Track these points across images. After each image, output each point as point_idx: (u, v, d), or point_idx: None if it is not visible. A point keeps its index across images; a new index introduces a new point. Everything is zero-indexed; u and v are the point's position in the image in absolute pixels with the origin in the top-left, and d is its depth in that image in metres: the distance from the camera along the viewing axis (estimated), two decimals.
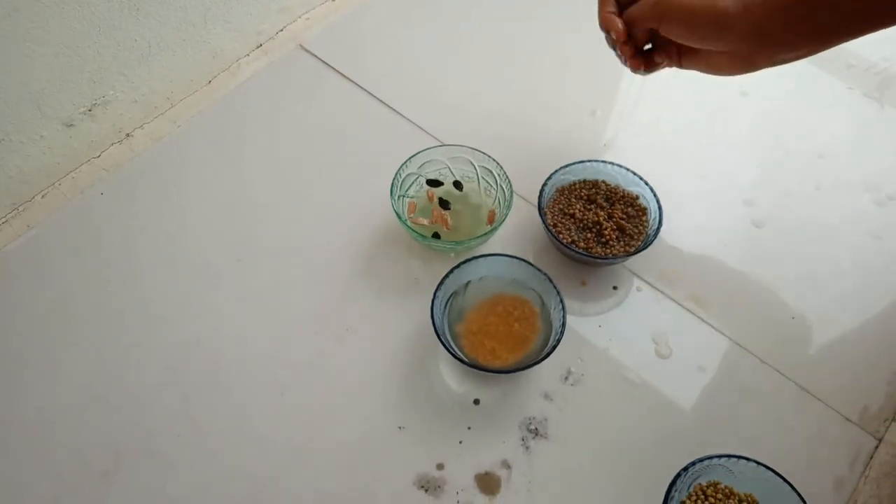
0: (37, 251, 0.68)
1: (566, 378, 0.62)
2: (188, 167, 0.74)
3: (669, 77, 0.85)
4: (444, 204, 0.68)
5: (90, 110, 0.71)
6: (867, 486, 0.57)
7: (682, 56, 0.61)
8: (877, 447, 0.59)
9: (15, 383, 0.60)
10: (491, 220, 0.68)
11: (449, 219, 0.68)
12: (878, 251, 0.71)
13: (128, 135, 0.76)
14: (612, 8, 0.62)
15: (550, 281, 0.60)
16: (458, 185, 0.69)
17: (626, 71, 0.86)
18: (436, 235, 0.67)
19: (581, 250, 0.64)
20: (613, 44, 0.63)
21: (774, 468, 0.53)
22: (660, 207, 0.66)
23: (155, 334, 0.63)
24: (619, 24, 0.60)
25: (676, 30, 0.59)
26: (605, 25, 0.62)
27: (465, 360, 0.58)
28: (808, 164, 0.77)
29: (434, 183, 0.70)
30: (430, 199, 0.69)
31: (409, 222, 0.66)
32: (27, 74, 0.64)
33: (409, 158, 0.68)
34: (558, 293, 0.60)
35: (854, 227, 0.72)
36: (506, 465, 0.57)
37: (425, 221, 0.68)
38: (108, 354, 0.62)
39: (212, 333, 0.63)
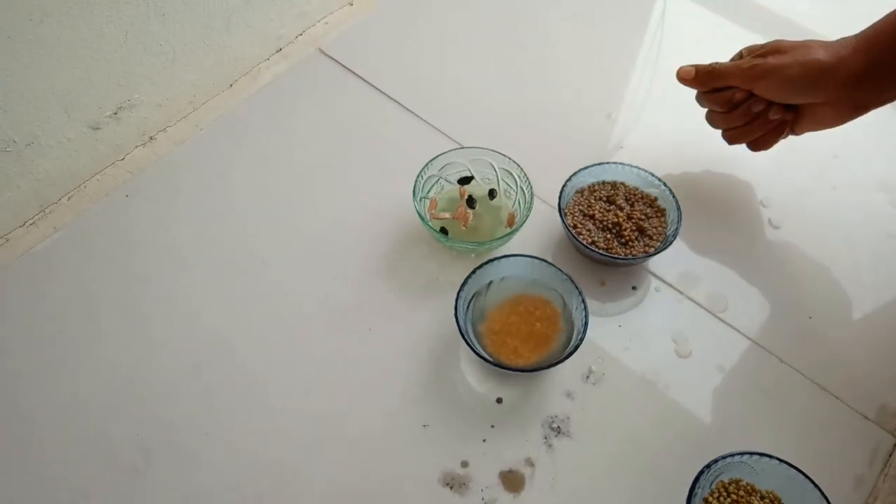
0: (63, 252, 0.69)
1: (587, 377, 0.63)
2: (211, 170, 0.75)
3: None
4: (471, 203, 0.69)
5: (115, 114, 0.72)
6: (886, 484, 0.58)
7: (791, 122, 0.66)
8: (895, 445, 0.60)
9: (44, 382, 0.61)
10: (511, 222, 0.68)
11: (471, 217, 0.69)
12: (893, 250, 0.71)
13: (151, 138, 0.77)
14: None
15: (572, 281, 0.61)
16: (492, 193, 0.70)
17: (638, 75, 0.87)
18: (443, 231, 0.68)
19: (602, 251, 0.65)
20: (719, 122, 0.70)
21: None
22: (678, 208, 0.67)
23: (180, 333, 0.64)
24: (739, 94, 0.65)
25: (773, 90, 0.63)
26: (730, 98, 0.66)
27: (489, 358, 0.59)
28: (823, 164, 0.78)
29: (465, 180, 0.71)
30: (462, 195, 0.70)
31: (429, 219, 0.67)
32: (56, 78, 0.65)
33: (431, 161, 0.69)
34: (580, 293, 0.61)
35: (869, 227, 0.73)
36: (529, 462, 0.58)
37: (447, 215, 0.69)
38: (135, 354, 0.63)
39: (236, 333, 0.64)
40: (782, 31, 0.90)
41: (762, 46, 0.65)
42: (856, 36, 0.61)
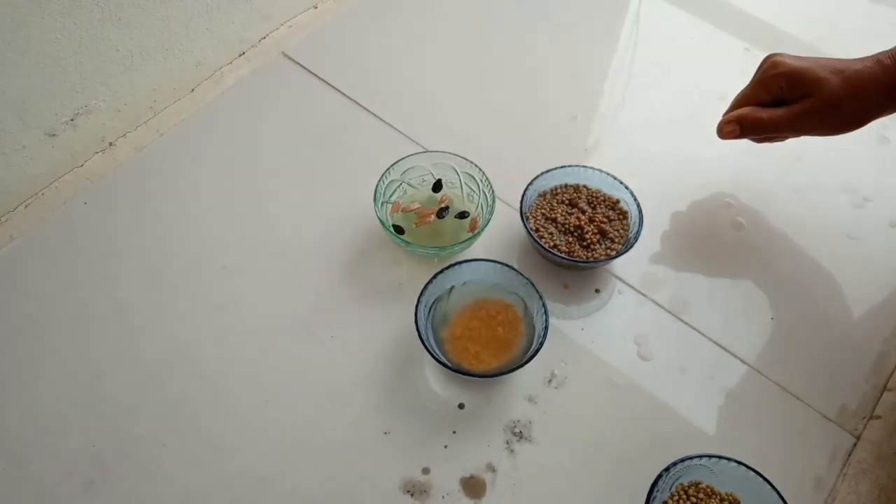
0: (20, 261, 0.68)
1: (549, 381, 0.62)
2: (171, 176, 0.74)
3: (649, 82, 0.86)
4: (442, 213, 0.69)
5: (73, 120, 0.71)
6: (845, 484, 0.58)
7: None
8: (855, 445, 0.60)
9: None
10: (473, 227, 0.68)
11: (429, 221, 0.68)
12: (855, 252, 0.72)
13: (111, 144, 0.76)
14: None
15: (533, 285, 0.61)
16: (463, 214, 0.69)
17: (606, 77, 0.87)
18: (398, 230, 0.68)
19: (563, 255, 0.65)
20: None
21: (755, 467, 0.53)
22: (640, 211, 0.67)
23: (139, 343, 0.63)
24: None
25: (824, 134, 0.63)
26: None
27: (449, 364, 0.59)
28: (786, 166, 0.78)
29: (437, 186, 0.71)
30: (443, 201, 0.70)
31: (390, 215, 0.68)
32: (8, 84, 0.63)
33: (393, 165, 0.68)
34: (541, 297, 0.60)
35: (832, 229, 0.73)
36: (491, 468, 0.58)
37: (417, 205, 0.69)
38: (92, 363, 0.62)
39: (196, 341, 0.63)
40: (756, 31, 0.91)
41: (802, 78, 0.60)
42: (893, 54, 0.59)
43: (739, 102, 0.66)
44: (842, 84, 0.59)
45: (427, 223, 0.68)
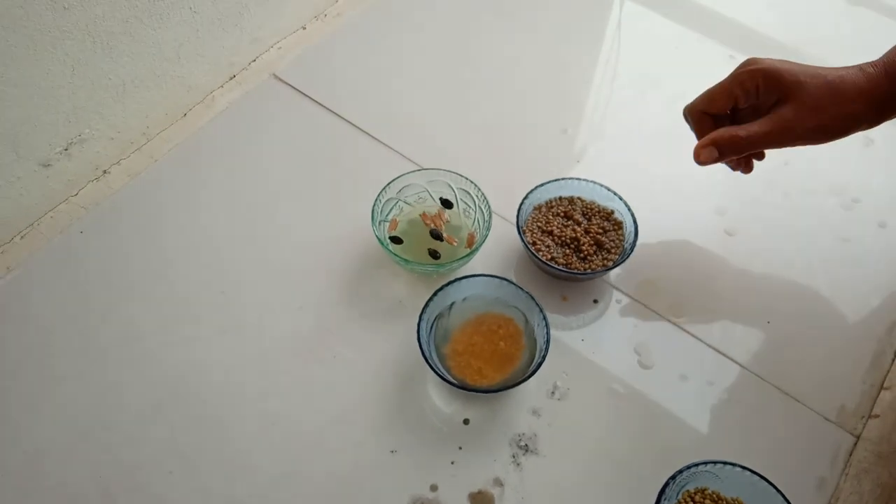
0: (18, 293, 0.67)
1: (553, 393, 0.63)
2: (167, 201, 0.74)
3: (636, 93, 0.87)
4: (435, 234, 0.69)
5: (66, 149, 0.71)
6: (848, 484, 0.59)
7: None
8: (855, 444, 0.61)
9: None
10: (471, 242, 0.69)
11: (428, 223, 0.70)
12: (846, 253, 0.73)
13: (105, 172, 0.76)
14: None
15: (533, 299, 0.62)
16: (434, 253, 0.69)
17: (593, 89, 0.88)
18: (396, 240, 0.68)
19: (561, 267, 0.66)
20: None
21: (758, 471, 0.54)
22: (635, 221, 0.68)
23: (140, 371, 0.63)
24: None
25: (804, 145, 0.60)
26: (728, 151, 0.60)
27: (453, 381, 0.59)
28: (775, 171, 0.79)
29: (447, 203, 0.71)
30: (449, 240, 0.70)
31: (386, 239, 0.68)
32: (2, 116, 0.63)
33: (389, 184, 0.69)
34: (541, 310, 0.61)
35: (822, 231, 0.74)
36: (498, 482, 0.58)
37: (447, 218, 0.71)
38: (94, 393, 0.62)
39: (198, 367, 0.63)
40: (738, 36, 0.92)
41: (780, 79, 0.58)
42: (885, 63, 0.57)
43: (711, 95, 0.62)
44: (823, 88, 0.57)
45: (426, 224, 0.69)
